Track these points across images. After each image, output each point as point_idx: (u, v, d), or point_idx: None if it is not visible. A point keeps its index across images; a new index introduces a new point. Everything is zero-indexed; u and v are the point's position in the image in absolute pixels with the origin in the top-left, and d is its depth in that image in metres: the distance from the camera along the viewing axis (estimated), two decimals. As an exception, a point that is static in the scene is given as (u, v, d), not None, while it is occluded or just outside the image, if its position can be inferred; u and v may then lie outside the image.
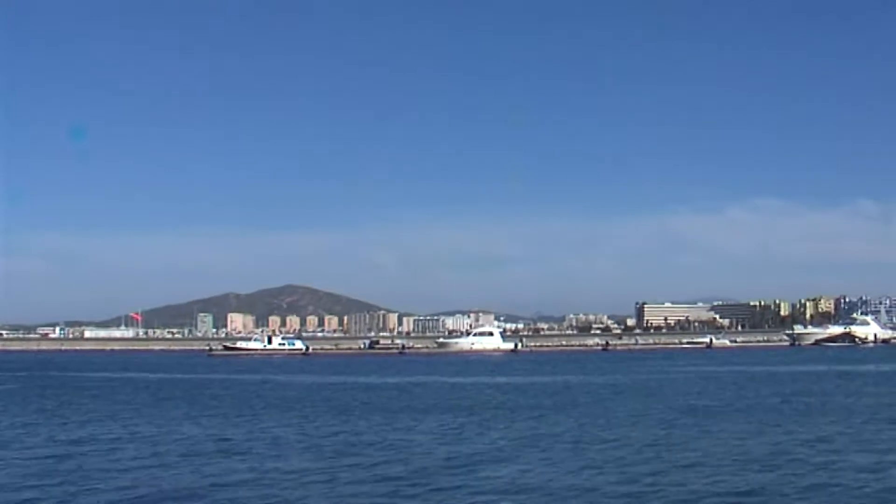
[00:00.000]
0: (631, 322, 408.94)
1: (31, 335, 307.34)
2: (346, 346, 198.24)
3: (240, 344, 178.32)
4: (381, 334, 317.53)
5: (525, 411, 45.55)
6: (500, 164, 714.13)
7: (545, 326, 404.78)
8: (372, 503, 22.31)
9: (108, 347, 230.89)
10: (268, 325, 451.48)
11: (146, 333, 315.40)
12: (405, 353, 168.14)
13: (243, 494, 23.18)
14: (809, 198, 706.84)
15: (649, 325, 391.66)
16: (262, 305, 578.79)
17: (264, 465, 27.68)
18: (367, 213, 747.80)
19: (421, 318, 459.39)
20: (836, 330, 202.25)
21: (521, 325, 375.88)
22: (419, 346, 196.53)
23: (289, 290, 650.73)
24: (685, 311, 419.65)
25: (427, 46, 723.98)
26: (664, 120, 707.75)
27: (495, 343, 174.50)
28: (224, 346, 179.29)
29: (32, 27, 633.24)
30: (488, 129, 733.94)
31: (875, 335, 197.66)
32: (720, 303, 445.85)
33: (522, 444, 32.01)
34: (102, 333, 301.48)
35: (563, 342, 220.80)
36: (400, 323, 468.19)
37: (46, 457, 30.45)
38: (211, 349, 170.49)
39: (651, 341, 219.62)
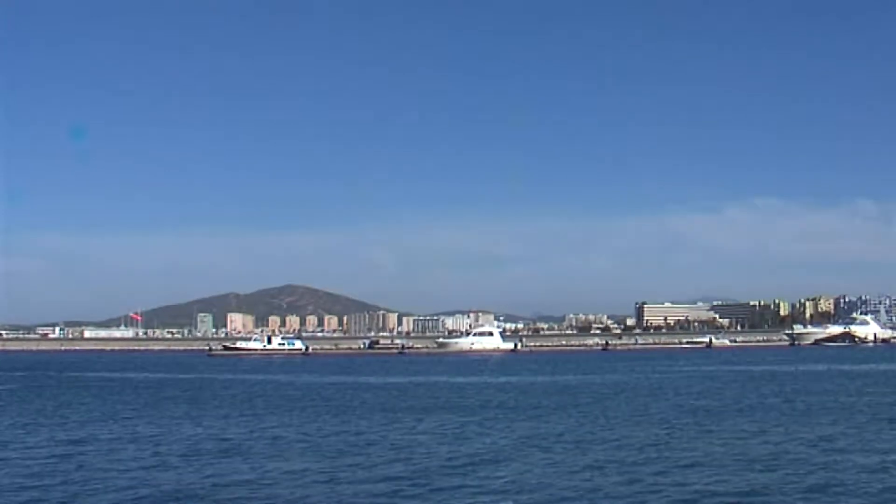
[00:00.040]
0: (631, 322, 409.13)
1: (31, 335, 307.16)
2: (345, 346, 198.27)
3: (240, 344, 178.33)
4: (381, 334, 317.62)
5: (525, 411, 45.54)
6: (500, 164, 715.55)
7: (545, 326, 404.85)
8: (373, 503, 22.29)
9: (107, 347, 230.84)
10: (267, 325, 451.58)
11: (146, 333, 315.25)
12: (405, 353, 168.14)
13: (244, 495, 23.15)
14: (809, 198, 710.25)
15: (649, 324, 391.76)
16: (262, 305, 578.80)
17: (265, 466, 27.66)
18: (367, 213, 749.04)
19: (421, 318, 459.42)
20: (835, 330, 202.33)
21: (520, 325, 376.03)
22: (419, 346, 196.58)
23: (288, 290, 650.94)
24: (685, 311, 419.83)
25: (427, 46, 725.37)
26: (664, 120, 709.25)
27: (495, 343, 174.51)
28: (224, 346, 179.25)
29: (32, 27, 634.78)
30: (488, 129, 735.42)
31: (875, 335, 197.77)
32: (720, 303, 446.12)
33: (523, 444, 31.98)
34: (102, 333, 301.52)
35: (563, 342, 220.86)
36: (400, 323, 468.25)
37: (47, 457, 30.42)
38: (211, 349, 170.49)
39: (651, 341, 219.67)
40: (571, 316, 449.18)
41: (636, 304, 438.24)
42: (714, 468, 26.16)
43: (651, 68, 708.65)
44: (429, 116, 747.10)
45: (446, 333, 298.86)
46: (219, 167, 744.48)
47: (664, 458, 28.14)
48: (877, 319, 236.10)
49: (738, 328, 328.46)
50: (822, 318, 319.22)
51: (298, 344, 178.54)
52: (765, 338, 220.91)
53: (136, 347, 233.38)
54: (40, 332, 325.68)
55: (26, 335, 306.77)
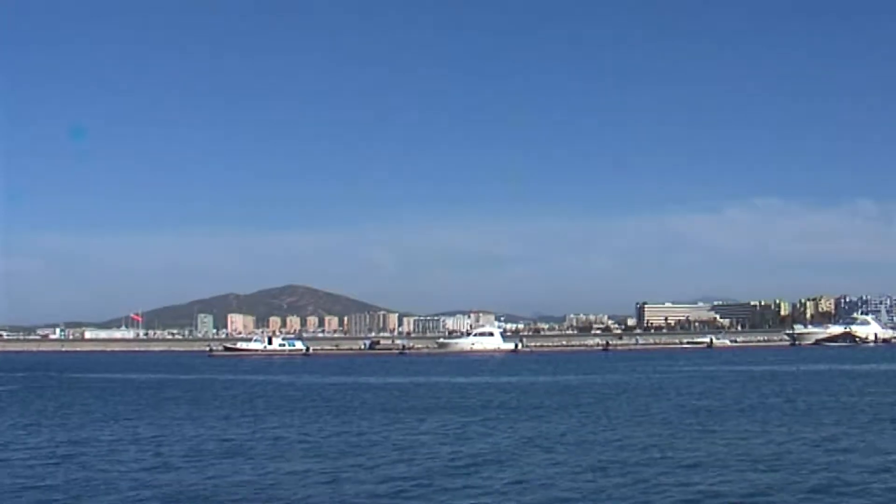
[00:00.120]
0: (631, 322, 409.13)
1: (32, 336, 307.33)
2: (346, 347, 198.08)
3: (240, 345, 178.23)
4: (382, 335, 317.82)
5: (527, 411, 45.49)
6: (500, 164, 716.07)
7: (545, 326, 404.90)
8: (375, 504, 22.26)
9: (108, 348, 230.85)
10: (268, 326, 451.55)
11: (146, 334, 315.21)
12: (406, 354, 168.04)
13: (246, 495, 23.11)
14: (809, 197, 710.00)
15: (650, 325, 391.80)
16: (263, 306, 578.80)
17: (267, 466, 27.62)
18: (367, 213, 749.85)
19: (421, 318, 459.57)
20: (836, 330, 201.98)
21: (521, 326, 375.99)
22: (419, 346, 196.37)
23: (289, 290, 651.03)
24: (685, 311, 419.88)
25: (427, 46, 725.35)
26: (664, 120, 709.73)
27: (496, 343, 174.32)
28: (224, 346, 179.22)
29: (32, 27, 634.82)
30: (488, 129, 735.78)
31: (875, 335, 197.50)
32: (720, 303, 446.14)
33: (525, 445, 31.93)
34: (103, 334, 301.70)
35: (564, 342, 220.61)
36: (400, 323, 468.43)
37: (48, 458, 30.38)
38: (211, 350, 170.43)
39: (652, 341, 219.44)
40: (572, 316, 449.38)
41: (637, 304, 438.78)
42: (717, 468, 26.11)
43: (651, 68, 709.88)
44: (429, 116, 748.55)
45: (447, 334, 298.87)
46: (219, 167, 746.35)
47: (667, 459, 28.08)
48: (878, 319, 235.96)
49: (739, 328, 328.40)
50: (822, 319, 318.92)
51: (299, 344, 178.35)
52: (765, 338, 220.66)
53: (137, 348, 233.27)
54: (41, 333, 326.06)
55: (27, 336, 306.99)
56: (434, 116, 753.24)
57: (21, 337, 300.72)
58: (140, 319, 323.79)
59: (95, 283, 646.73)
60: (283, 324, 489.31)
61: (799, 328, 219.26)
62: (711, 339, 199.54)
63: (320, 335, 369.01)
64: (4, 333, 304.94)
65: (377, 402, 53.34)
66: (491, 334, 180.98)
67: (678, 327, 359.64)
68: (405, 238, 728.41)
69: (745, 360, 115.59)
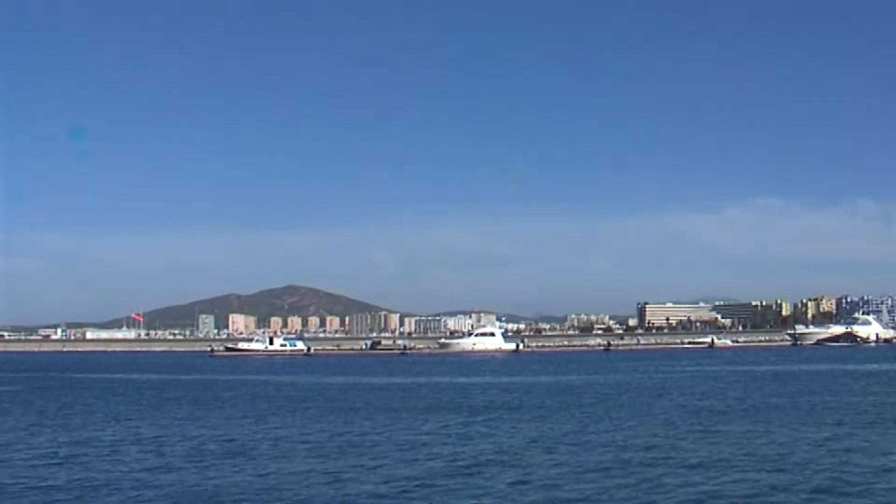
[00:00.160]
0: (633, 322, 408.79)
1: (33, 337, 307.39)
2: (347, 347, 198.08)
3: (241, 345, 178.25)
4: (383, 335, 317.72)
5: (529, 411, 45.45)
6: (500, 164, 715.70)
7: (547, 327, 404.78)
8: (378, 504, 22.23)
9: (109, 349, 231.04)
10: (269, 326, 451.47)
11: (148, 335, 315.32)
12: (407, 354, 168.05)
13: (249, 496, 23.08)
14: (809, 197, 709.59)
15: (651, 325, 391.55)
16: (264, 306, 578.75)
17: (269, 467, 27.59)
18: (367, 213, 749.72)
19: (422, 318, 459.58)
20: (837, 330, 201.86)
21: (522, 326, 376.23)
22: (421, 346, 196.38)
23: (290, 290, 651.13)
24: (687, 312, 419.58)
25: (427, 46, 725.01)
26: (664, 120, 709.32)
27: (497, 343, 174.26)
28: (226, 347, 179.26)
29: (32, 27, 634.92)
30: (488, 129, 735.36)
31: (877, 335, 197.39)
32: (722, 303, 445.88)
33: (527, 445, 31.90)
34: (104, 335, 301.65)
35: (565, 342, 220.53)
36: (401, 323, 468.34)
37: (50, 459, 30.36)
38: (213, 350, 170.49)
39: (653, 341, 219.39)
40: (573, 316, 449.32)
41: (638, 304, 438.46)
42: (720, 469, 26.06)
43: (651, 68, 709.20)
44: (429, 116, 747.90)
45: (448, 334, 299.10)
46: (219, 167, 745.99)
47: (669, 459, 28.04)
48: (879, 319, 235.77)
49: (740, 328, 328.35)
50: (824, 319, 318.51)
51: (300, 345, 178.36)
52: (767, 338, 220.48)
53: (138, 349, 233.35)
54: (42, 333, 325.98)
55: (28, 336, 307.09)
56: (434, 116, 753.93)
57: (23, 337, 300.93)
58: (141, 320, 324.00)
59: (96, 283, 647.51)
60: (285, 324, 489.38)
61: (800, 328, 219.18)
62: (713, 340, 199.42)
63: (322, 335, 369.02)
64: (6, 334, 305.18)
65: (379, 402, 53.30)
66: (492, 334, 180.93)
67: (679, 327, 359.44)
68: (405, 238, 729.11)
69: (747, 360, 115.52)
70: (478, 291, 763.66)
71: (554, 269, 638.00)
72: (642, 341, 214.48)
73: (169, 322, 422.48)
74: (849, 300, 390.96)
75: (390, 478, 25.35)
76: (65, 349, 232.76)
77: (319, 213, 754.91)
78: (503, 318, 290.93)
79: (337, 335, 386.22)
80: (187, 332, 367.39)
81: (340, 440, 34.07)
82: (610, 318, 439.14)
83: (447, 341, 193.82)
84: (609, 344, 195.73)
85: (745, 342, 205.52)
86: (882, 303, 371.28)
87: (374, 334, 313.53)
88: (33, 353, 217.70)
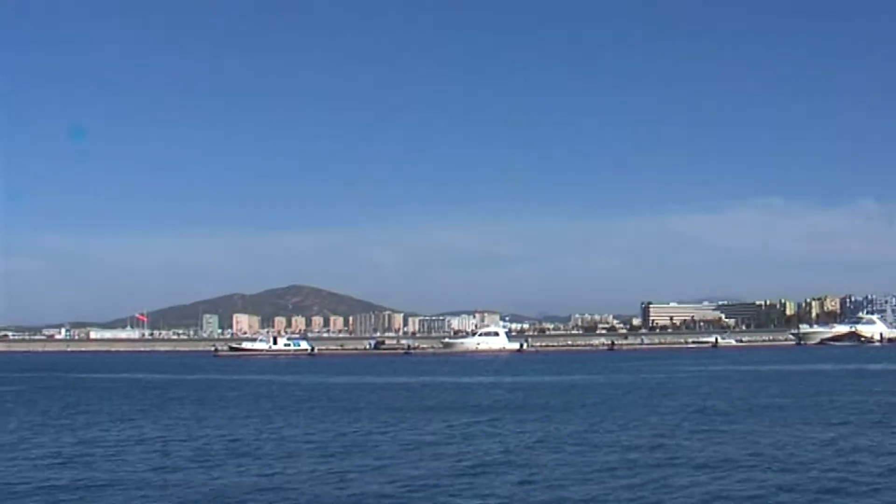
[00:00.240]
0: (636, 322, 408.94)
1: (37, 336, 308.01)
2: (351, 347, 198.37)
3: (245, 345, 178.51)
4: (387, 334, 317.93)
5: (533, 411, 45.37)
6: (500, 164, 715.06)
7: (550, 326, 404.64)
8: (383, 504, 22.18)
9: (113, 349, 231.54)
10: (273, 326, 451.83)
11: (152, 334, 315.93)
12: (411, 354, 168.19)
13: (253, 495, 23.04)
14: (811, 197, 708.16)
15: (655, 324, 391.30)
16: (268, 306, 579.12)
17: (273, 466, 27.56)
18: (368, 212, 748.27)
19: (426, 318, 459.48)
20: (841, 329, 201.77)
21: (526, 326, 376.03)
22: (425, 346, 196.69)
23: (294, 290, 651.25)
24: (691, 311, 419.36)
25: (427, 46, 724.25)
26: (664, 120, 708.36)
27: (501, 343, 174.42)
28: (230, 346, 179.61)
29: (32, 27, 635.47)
30: (488, 129, 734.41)
31: (881, 334, 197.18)
32: (725, 302, 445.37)
33: (533, 445, 31.84)
34: (108, 335, 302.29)
35: (569, 342, 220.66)
36: (405, 323, 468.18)
37: (54, 458, 30.36)
38: (217, 350, 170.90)
39: (657, 341, 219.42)
40: (577, 316, 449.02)
41: (642, 304, 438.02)
42: (726, 469, 25.97)
43: (651, 68, 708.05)
44: (429, 116, 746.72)
45: (452, 334, 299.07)
46: (219, 167, 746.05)
47: (675, 459, 27.95)
48: (883, 319, 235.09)
49: (744, 328, 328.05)
50: (828, 318, 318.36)
51: (304, 344, 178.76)
52: (771, 337, 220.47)
53: (142, 348, 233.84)
54: (46, 333, 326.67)
55: (32, 336, 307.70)
56: (434, 116, 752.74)
57: (27, 337, 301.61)
58: (145, 319, 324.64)
59: (97, 283, 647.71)
60: (289, 324, 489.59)
61: (804, 328, 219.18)
62: (717, 339, 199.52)
63: (325, 335, 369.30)
64: (10, 334, 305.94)
65: (383, 402, 53.28)
66: (496, 334, 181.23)
67: (683, 327, 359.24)
68: (405, 238, 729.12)
69: (751, 360, 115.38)
70: (480, 291, 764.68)
71: (555, 269, 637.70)
72: (646, 341, 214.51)
73: (173, 322, 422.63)
74: (853, 300, 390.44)
75: (395, 478, 25.30)
76: (69, 349, 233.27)
77: (319, 213, 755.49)
78: (507, 318, 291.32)
79: (340, 335, 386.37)
80: (191, 332, 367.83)
81: (345, 440, 34.04)
82: (614, 317, 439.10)
83: (451, 341, 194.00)
84: (613, 343, 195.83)
85: (748, 342, 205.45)
86: (886, 302, 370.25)
87: (378, 334, 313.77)
88: (37, 352, 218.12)
